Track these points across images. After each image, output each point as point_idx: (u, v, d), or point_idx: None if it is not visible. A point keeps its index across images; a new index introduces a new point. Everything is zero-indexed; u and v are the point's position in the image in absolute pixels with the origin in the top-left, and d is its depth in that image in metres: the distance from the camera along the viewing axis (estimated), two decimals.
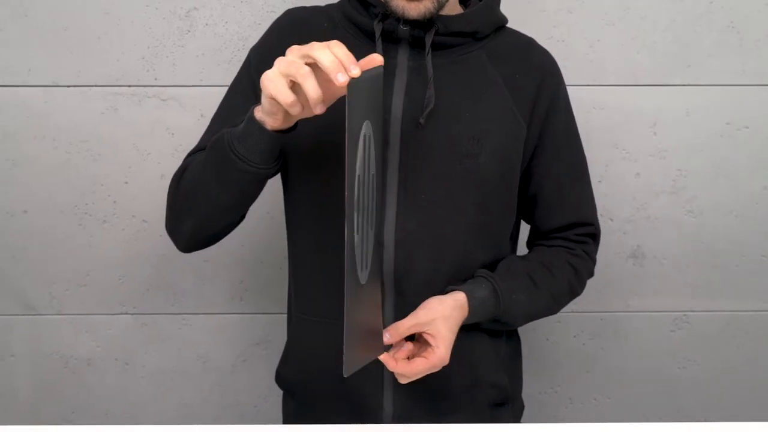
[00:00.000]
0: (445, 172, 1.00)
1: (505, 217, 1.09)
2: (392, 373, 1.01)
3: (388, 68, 1.00)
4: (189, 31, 1.39)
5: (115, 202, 1.47)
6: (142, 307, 1.53)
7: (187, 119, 1.42)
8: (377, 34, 0.99)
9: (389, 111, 0.99)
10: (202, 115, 1.42)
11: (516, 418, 1.16)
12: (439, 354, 0.93)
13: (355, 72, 0.78)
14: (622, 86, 1.41)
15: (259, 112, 0.89)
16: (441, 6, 0.97)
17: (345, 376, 0.85)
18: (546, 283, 1.07)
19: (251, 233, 1.48)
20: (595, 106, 1.42)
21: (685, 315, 1.54)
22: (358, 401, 1.05)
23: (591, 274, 1.16)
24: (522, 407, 1.20)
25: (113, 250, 1.49)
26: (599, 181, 1.46)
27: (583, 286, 1.15)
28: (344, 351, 0.84)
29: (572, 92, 1.38)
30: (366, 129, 0.81)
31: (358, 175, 0.81)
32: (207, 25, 1.38)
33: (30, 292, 1.52)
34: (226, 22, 1.38)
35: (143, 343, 1.55)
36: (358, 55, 1.01)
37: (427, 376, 0.97)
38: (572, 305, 1.52)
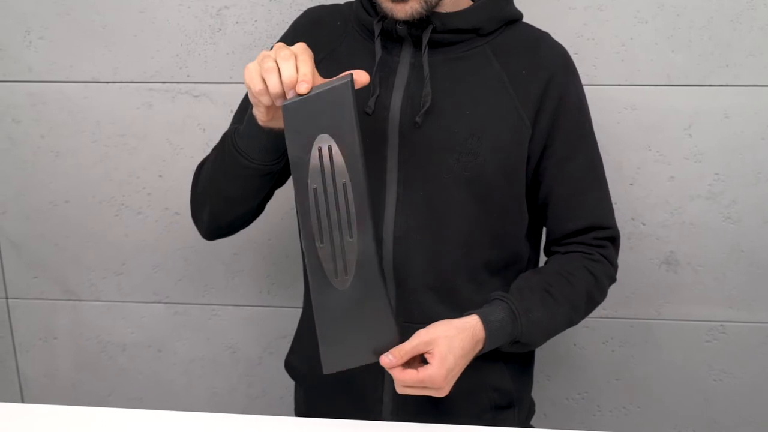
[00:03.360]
0: (443, 170, 0.99)
1: (511, 216, 1.06)
2: None
3: (391, 66, 1.01)
4: (220, 29, 1.42)
5: (149, 194, 1.52)
6: (174, 296, 1.58)
7: (217, 115, 1.46)
8: (376, 32, 1.00)
9: (388, 108, 0.99)
10: (231, 111, 1.42)
11: (524, 420, 1.14)
12: (430, 371, 0.88)
13: (303, 88, 0.82)
14: (656, 86, 1.36)
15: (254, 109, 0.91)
16: (430, 6, 0.96)
17: (324, 373, 0.88)
18: (564, 294, 1.02)
19: (278, 228, 1.51)
20: (627, 107, 1.38)
21: (721, 325, 1.48)
22: (358, 393, 1.07)
23: (612, 280, 1.11)
24: (531, 410, 1.18)
25: (147, 240, 1.55)
26: (630, 184, 1.42)
27: (603, 293, 1.10)
28: (320, 351, 0.88)
29: (603, 92, 1.37)
30: (322, 141, 0.83)
31: (313, 188, 0.84)
32: (237, 23, 1.41)
33: (71, 278, 1.59)
34: (256, 21, 1.41)
35: (175, 331, 1.61)
36: (364, 52, 1.02)
37: None
38: (600, 310, 1.50)
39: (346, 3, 1.13)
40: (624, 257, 1.44)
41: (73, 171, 1.52)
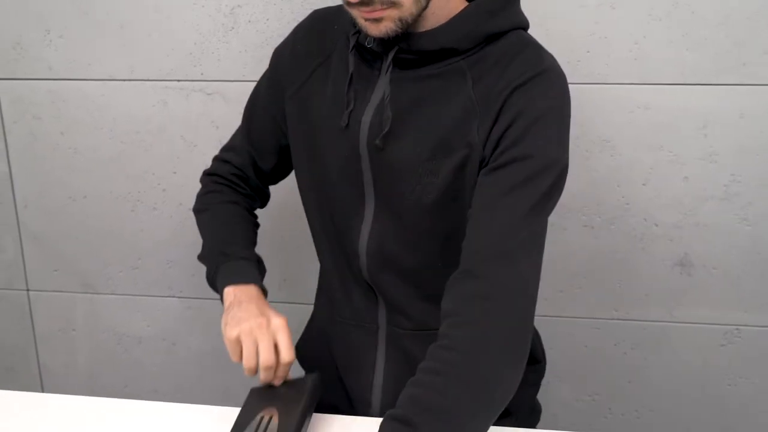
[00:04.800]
0: (410, 189, 0.95)
1: None
2: (382, 376, 1.04)
3: (370, 79, 0.97)
4: (233, 28, 1.43)
5: (164, 190, 1.55)
6: (187, 291, 1.61)
7: (230, 112, 1.48)
8: (351, 45, 0.97)
9: (359, 123, 0.96)
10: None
11: (525, 425, 1.11)
12: None
13: (276, 383, 0.94)
14: (669, 85, 1.34)
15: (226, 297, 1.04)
16: (406, 24, 0.90)
17: None
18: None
19: (289, 226, 1.52)
20: (640, 106, 1.36)
21: (737, 329, 1.45)
22: (351, 394, 1.08)
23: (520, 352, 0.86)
24: (534, 416, 1.16)
25: (162, 236, 1.58)
26: (643, 184, 1.40)
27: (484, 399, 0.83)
28: None
29: (615, 91, 1.35)
30: (268, 411, 0.91)
31: None
32: (249, 22, 1.43)
33: (88, 272, 1.63)
34: (268, 19, 1.42)
35: (188, 325, 1.63)
36: (347, 67, 1.00)
37: None
38: (612, 312, 1.49)
39: None
40: (636, 258, 1.44)
41: (91, 167, 1.56)
